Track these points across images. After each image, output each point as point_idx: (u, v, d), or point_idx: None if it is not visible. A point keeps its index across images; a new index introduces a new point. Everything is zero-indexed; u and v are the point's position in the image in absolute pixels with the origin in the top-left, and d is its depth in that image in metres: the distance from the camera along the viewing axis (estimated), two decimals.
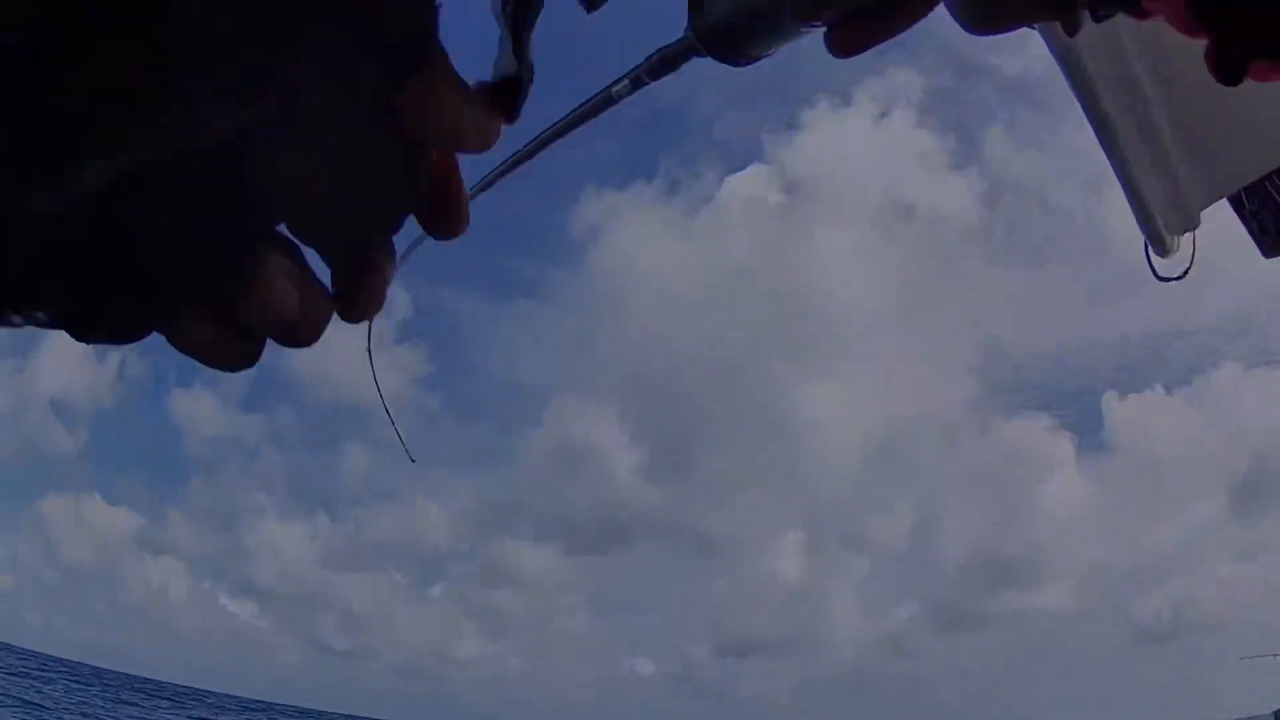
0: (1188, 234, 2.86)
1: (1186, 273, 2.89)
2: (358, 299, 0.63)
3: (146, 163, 0.51)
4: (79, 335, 0.56)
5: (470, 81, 0.61)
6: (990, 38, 0.72)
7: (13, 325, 0.55)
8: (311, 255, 0.62)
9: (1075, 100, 2.43)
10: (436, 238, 0.65)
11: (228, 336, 0.59)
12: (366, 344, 5.41)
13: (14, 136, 0.47)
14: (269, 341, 0.62)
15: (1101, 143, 2.49)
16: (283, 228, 0.60)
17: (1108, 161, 2.54)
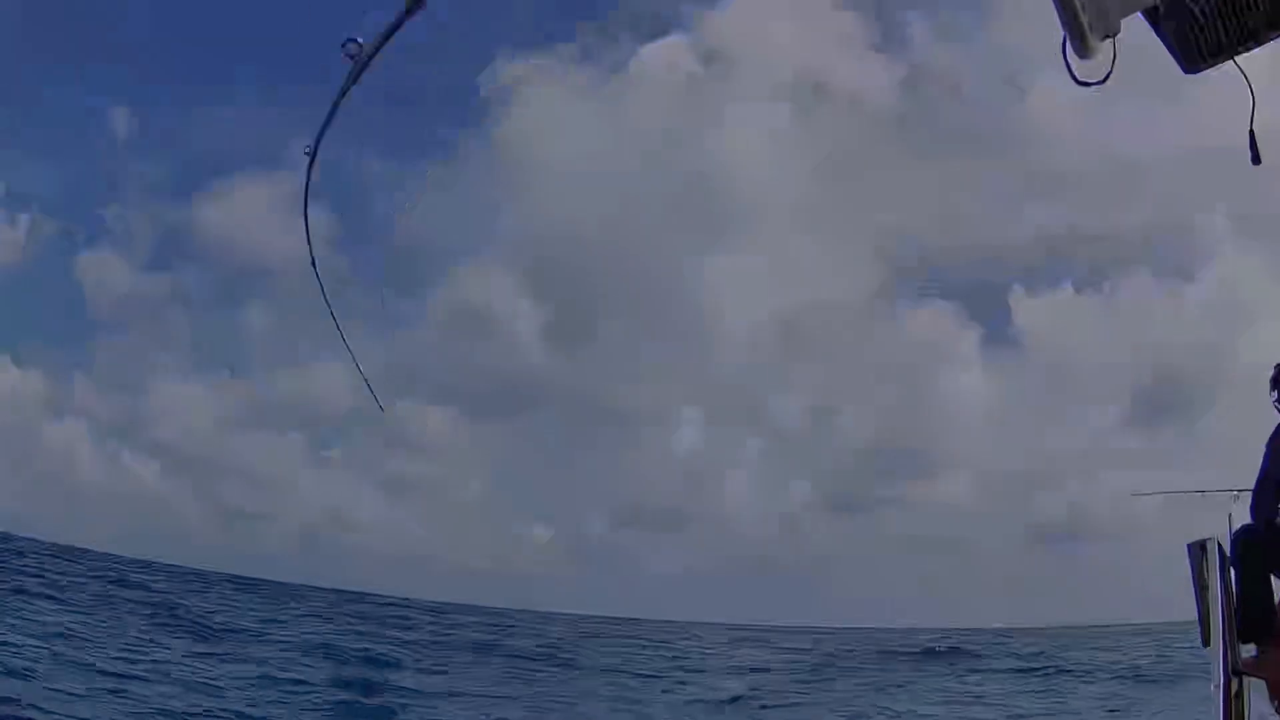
0: (1107, 41, 2.89)
1: (1107, 78, 2.93)
2: None
3: None
4: None
5: None
6: None
7: None
8: None
9: None
10: None
11: None
12: (310, 258, 5.32)
13: None
14: None
15: None
16: None
17: None
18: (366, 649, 29.79)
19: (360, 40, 3.70)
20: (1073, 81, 2.91)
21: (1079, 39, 2.79)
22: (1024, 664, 36.40)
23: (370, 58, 3.68)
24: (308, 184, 4.81)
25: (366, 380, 5.44)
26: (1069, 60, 2.87)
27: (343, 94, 3.94)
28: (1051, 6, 2.76)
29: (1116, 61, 2.93)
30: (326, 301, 5.12)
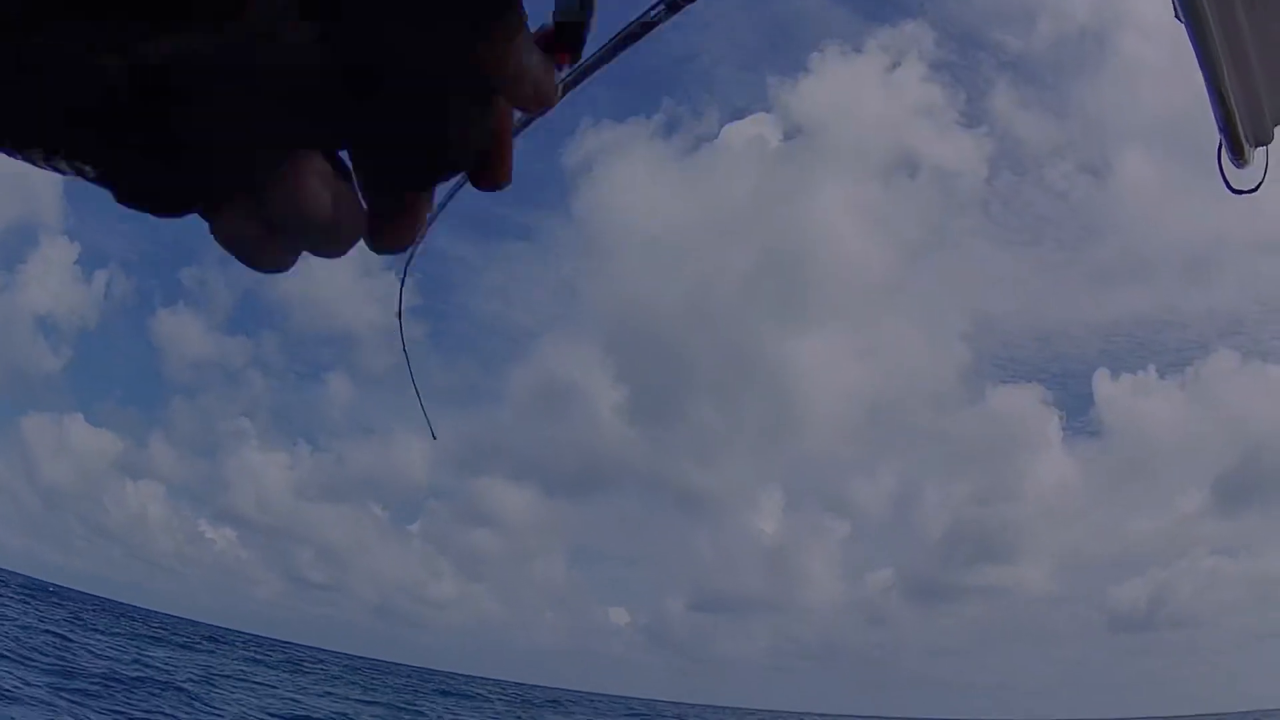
0: (1260, 149, 2.88)
1: (1259, 187, 2.91)
2: (389, 227, 0.63)
3: (221, 52, 0.53)
4: (120, 197, 0.58)
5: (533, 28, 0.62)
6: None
7: (58, 170, 0.56)
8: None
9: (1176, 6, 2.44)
10: (481, 188, 0.65)
11: (262, 232, 0.60)
12: (398, 308, 5.53)
13: None
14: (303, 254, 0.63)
15: (1195, 45, 2.50)
16: (343, 152, 0.61)
17: (1198, 65, 2.56)
18: None
19: None
20: (1227, 189, 2.89)
21: (1235, 147, 2.77)
22: None
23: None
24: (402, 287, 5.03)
25: (424, 409, 5.56)
26: (1223, 168, 2.86)
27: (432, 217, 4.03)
28: (1207, 111, 2.75)
29: (1269, 170, 2.91)
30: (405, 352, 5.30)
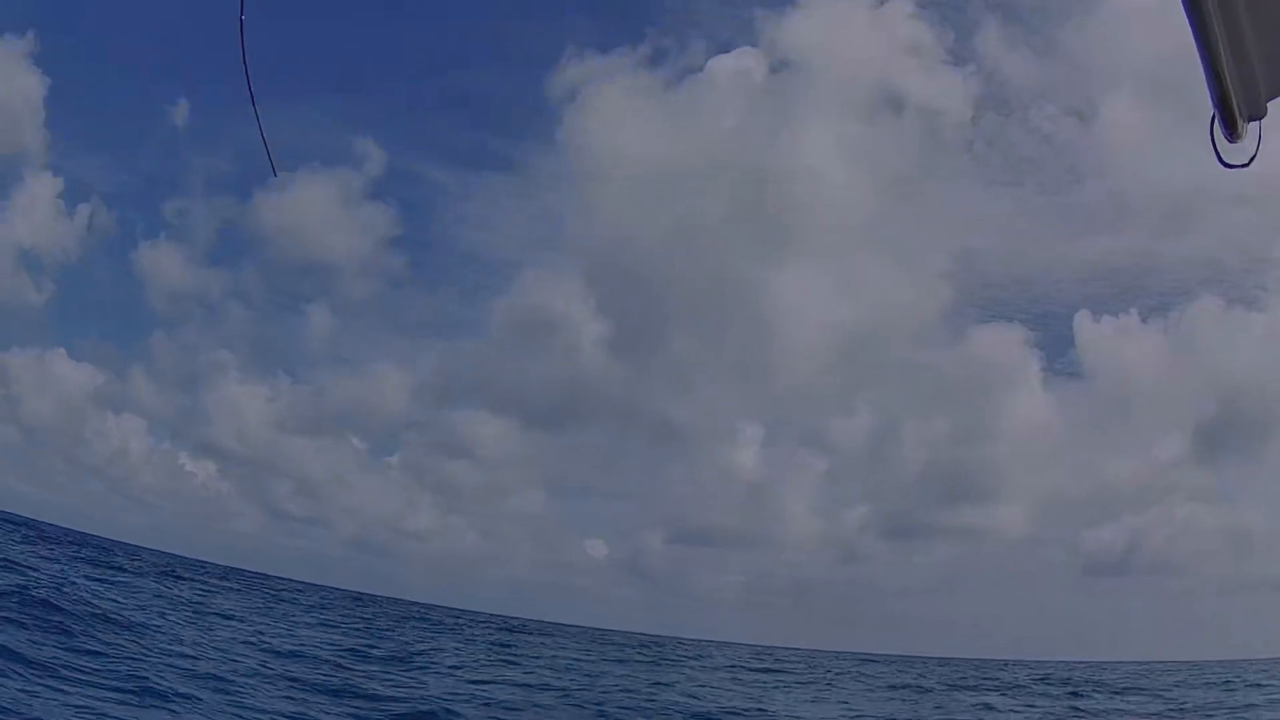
0: (1254, 123, 2.83)
1: (1251, 161, 2.86)
2: None
3: None
4: None
5: None
6: None
7: None
8: None
9: None
10: None
11: None
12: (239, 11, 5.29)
13: None
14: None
15: (1190, 17, 2.44)
16: None
17: (1192, 36, 2.50)
18: None
19: None
20: (1219, 164, 2.85)
21: (1228, 120, 2.73)
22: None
23: None
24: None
25: (265, 143, 5.37)
26: (1215, 142, 2.81)
27: None
28: (1199, 85, 2.70)
29: (1261, 145, 2.86)
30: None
